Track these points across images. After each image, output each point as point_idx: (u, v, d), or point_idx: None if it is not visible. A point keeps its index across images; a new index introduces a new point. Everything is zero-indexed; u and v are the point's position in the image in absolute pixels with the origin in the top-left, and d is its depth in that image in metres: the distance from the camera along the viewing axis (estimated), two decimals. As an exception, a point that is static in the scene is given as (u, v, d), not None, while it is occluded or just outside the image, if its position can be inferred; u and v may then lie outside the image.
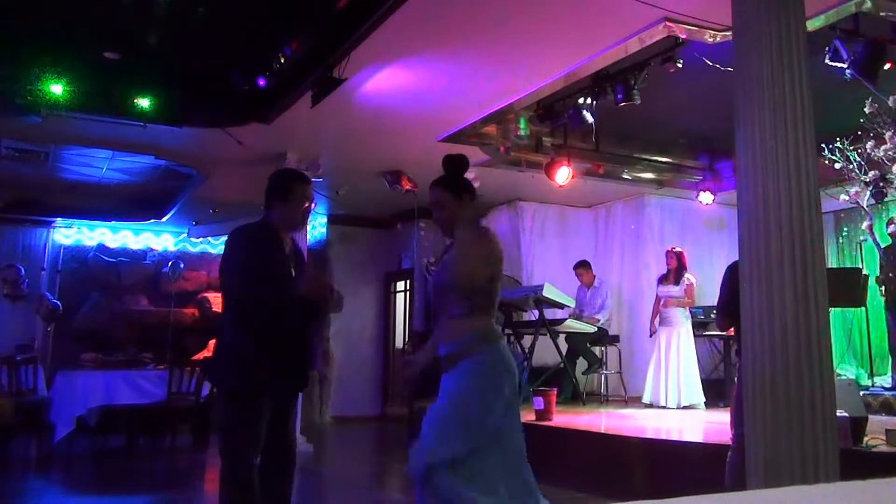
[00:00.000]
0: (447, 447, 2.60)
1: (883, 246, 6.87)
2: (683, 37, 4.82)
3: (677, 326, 7.45)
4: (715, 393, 7.51)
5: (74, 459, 7.12)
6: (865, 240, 7.37)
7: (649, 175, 8.72)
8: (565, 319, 8.01)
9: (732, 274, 3.50)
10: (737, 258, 3.24)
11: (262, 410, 2.97)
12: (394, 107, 6.15)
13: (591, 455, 5.52)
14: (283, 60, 5.12)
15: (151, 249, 11.06)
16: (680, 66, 5.29)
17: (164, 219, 10.08)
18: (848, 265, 8.44)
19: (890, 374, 7.17)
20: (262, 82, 5.33)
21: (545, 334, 7.92)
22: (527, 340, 8.08)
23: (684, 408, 7.20)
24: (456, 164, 2.97)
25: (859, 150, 6.26)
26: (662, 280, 7.71)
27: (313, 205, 3.22)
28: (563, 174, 7.32)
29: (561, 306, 8.00)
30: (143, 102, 5.92)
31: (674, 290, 7.54)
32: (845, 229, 8.72)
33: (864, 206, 6.54)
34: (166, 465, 7.27)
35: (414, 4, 4.30)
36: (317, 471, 6.65)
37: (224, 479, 2.97)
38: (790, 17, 3.08)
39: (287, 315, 3.01)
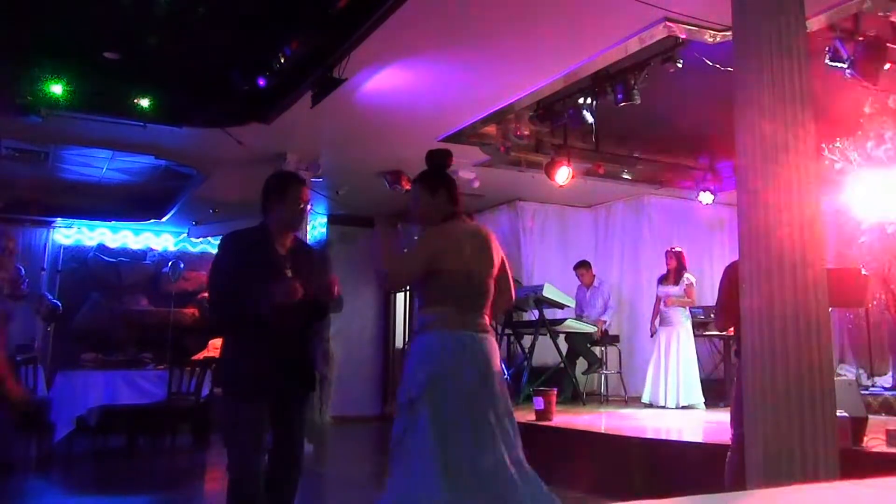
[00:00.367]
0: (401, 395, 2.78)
1: None
2: (683, 37, 4.82)
3: (677, 326, 7.45)
4: (715, 393, 7.51)
5: (74, 459, 7.12)
6: (865, 240, 7.36)
7: (649, 175, 8.72)
8: (565, 319, 8.02)
9: (731, 274, 3.50)
10: (736, 258, 3.24)
11: (253, 412, 2.95)
12: (394, 107, 6.14)
13: (591, 455, 5.52)
14: (283, 60, 5.12)
15: (151, 249, 11.06)
16: (680, 66, 5.28)
17: (164, 219, 10.08)
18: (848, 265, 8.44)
19: (890, 373, 7.17)
20: (262, 82, 5.33)
21: (545, 334, 7.92)
22: (527, 340, 8.08)
23: (683, 408, 7.20)
24: (434, 159, 3.08)
25: (859, 150, 6.26)
26: (662, 280, 7.71)
27: (310, 206, 3.22)
28: (563, 174, 7.32)
29: (561, 306, 8.00)
30: (143, 102, 5.92)
31: (673, 290, 7.54)
32: (845, 229, 8.71)
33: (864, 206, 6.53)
34: (166, 465, 7.27)
35: (414, 4, 4.29)
36: (317, 471, 6.64)
37: (229, 477, 3.00)
38: (790, 17, 3.08)
39: (276, 318, 2.95)
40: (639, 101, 5.64)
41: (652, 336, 7.72)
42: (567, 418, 6.41)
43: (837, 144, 6.32)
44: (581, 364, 8.24)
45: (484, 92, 5.88)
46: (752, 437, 2.95)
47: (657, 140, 8.26)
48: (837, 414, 3.10)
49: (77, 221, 10.43)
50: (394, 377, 10.59)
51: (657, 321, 7.67)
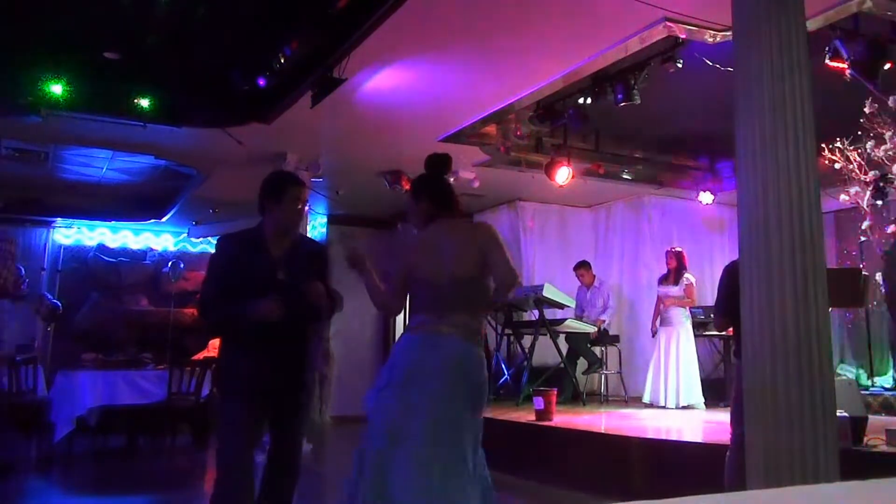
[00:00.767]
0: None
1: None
2: (683, 37, 4.82)
3: (677, 326, 7.45)
4: (715, 393, 7.51)
5: (74, 459, 7.12)
6: (865, 240, 7.36)
7: (649, 175, 8.72)
8: (565, 319, 8.02)
9: (731, 274, 3.51)
10: (736, 258, 3.24)
11: (243, 411, 2.95)
12: (394, 107, 6.14)
13: (591, 455, 5.52)
14: (283, 60, 5.12)
15: (151, 249, 11.07)
16: (680, 66, 5.28)
17: (164, 219, 10.09)
18: (848, 265, 8.44)
19: (890, 373, 7.17)
20: (262, 82, 5.33)
21: (545, 334, 7.92)
22: (527, 340, 8.08)
23: (683, 408, 7.20)
24: (428, 164, 3.16)
25: (859, 150, 6.26)
26: (662, 280, 7.72)
27: (307, 207, 3.21)
28: (563, 174, 7.32)
29: (561, 306, 8.00)
30: (143, 102, 5.92)
31: (673, 290, 7.54)
32: (845, 229, 8.71)
33: (864, 206, 6.54)
34: (166, 465, 7.27)
35: (414, 4, 4.29)
36: (317, 471, 6.64)
37: (216, 474, 3.01)
38: (790, 17, 3.08)
39: (264, 326, 2.93)
40: (639, 101, 5.64)
41: (653, 336, 7.72)
42: (567, 418, 6.41)
43: (837, 144, 6.32)
44: (581, 364, 8.24)
45: (484, 92, 5.88)
46: (752, 437, 2.95)
47: (657, 140, 8.27)
48: (837, 414, 3.10)
49: (77, 221, 10.43)
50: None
51: (657, 321, 7.67)
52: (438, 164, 3.16)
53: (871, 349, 7.56)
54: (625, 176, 8.59)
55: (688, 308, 7.55)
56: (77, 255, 10.54)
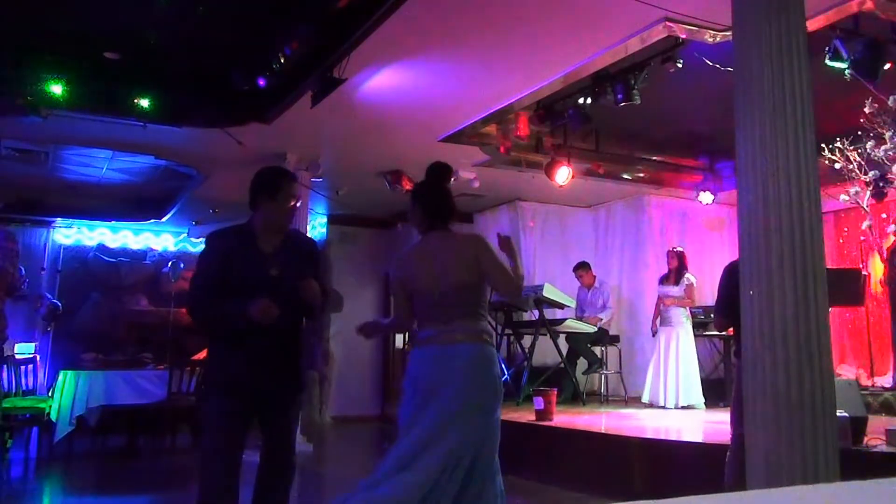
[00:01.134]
0: None
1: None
2: (683, 37, 4.82)
3: (677, 326, 7.45)
4: (715, 393, 7.51)
5: (74, 459, 7.12)
6: (865, 239, 7.37)
7: (649, 175, 8.72)
8: (565, 319, 8.02)
9: (730, 274, 3.51)
10: (736, 258, 3.24)
11: (227, 407, 2.92)
12: (394, 107, 6.15)
13: (591, 455, 5.52)
14: (283, 60, 5.12)
15: (151, 249, 11.06)
16: (680, 66, 5.28)
17: (164, 219, 10.08)
18: (848, 265, 8.45)
19: (890, 373, 7.17)
20: (262, 82, 5.33)
21: (545, 334, 7.92)
22: (527, 340, 8.08)
23: (683, 408, 7.20)
24: (428, 173, 3.25)
25: (859, 150, 6.26)
26: (663, 280, 7.72)
27: (299, 203, 3.18)
28: (563, 174, 7.32)
29: (561, 306, 8.00)
30: (143, 102, 5.92)
31: (674, 290, 7.54)
32: (845, 229, 8.72)
33: (864, 206, 6.53)
34: (166, 465, 7.27)
35: (414, 4, 4.29)
36: (317, 471, 6.64)
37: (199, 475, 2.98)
38: (790, 17, 3.08)
39: (256, 328, 2.91)
40: (639, 101, 5.64)
41: (653, 336, 7.72)
42: (567, 418, 6.41)
43: (837, 144, 6.32)
44: (581, 364, 8.24)
45: (484, 92, 5.88)
46: (752, 437, 2.95)
47: (657, 140, 8.27)
48: (837, 414, 3.10)
49: (77, 221, 10.42)
50: (394, 377, 10.59)
51: (658, 321, 7.67)
52: (437, 174, 3.23)
53: (871, 349, 7.55)
54: (625, 176, 8.59)
55: (688, 308, 7.55)
56: (77, 255, 10.54)
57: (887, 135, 5.95)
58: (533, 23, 4.68)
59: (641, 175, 8.67)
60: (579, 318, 8.17)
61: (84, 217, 10.30)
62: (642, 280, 8.93)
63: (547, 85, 5.68)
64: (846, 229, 8.71)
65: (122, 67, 5.86)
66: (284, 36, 5.05)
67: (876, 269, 7.43)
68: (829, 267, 3.19)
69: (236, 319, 2.86)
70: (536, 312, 7.86)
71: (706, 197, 8.54)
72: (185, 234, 11.18)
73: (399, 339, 10.73)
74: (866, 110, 5.91)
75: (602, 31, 4.80)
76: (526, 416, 6.43)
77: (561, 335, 8.06)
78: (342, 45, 4.94)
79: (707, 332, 7.79)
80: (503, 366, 8.36)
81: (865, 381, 7.22)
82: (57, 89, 5.61)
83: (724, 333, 6.89)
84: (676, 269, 7.61)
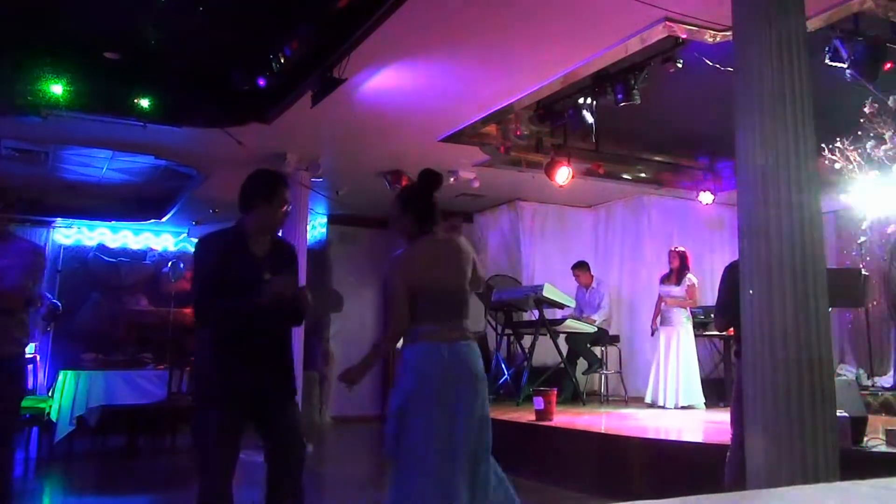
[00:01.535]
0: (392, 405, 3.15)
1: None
2: (683, 37, 4.82)
3: (677, 326, 7.45)
4: (715, 393, 7.51)
5: (74, 459, 7.12)
6: (865, 240, 7.37)
7: (649, 175, 8.72)
8: (565, 319, 8.02)
9: (731, 274, 3.50)
10: (736, 258, 3.24)
11: (232, 421, 2.93)
12: (394, 107, 6.14)
13: (591, 455, 5.52)
14: (283, 60, 5.12)
15: (151, 249, 11.06)
16: (680, 66, 5.28)
17: (164, 219, 10.08)
18: (848, 265, 8.45)
19: (891, 373, 7.17)
20: (262, 82, 5.33)
21: (545, 334, 7.92)
22: (527, 340, 8.08)
23: (683, 408, 7.20)
24: (421, 180, 3.25)
25: (859, 150, 6.25)
26: (664, 280, 7.71)
27: (290, 208, 3.19)
28: (563, 174, 7.32)
29: (561, 306, 8.00)
30: (143, 102, 5.91)
31: (674, 290, 7.54)
32: (845, 229, 8.71)
33: (864, 206, 6.53)
34: (166, 465, 7.27)
35: (414, 4, 4.29)
36: (317, 471, 6.64)
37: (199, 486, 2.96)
38: (790, 17, 3.08)
39: (253, 322, 2.92)
40: (639, 101, 5.64)
41: (652, 334, 7.71)
42: (567, 418, 6.41)
43: (837, 144, 6.32)
44: (581, 364, 8.24)
45: (484, 92, 5.88)
46: (752, 437, 2.95)
47: (657, 140, 8.27)
48: (837, 414, 3.10)
49: (77, 221, 10.42)
50: (394, 377, 10.57)
51: (658, 320, 7.66)
52: (430, 181, 3.24)
53: (871, 349, 7.55)
54: (625, 176, 8.59)
55: (688, 308, 7.55)
56: (77, 255, 10.53)
57: (887, 135, 5.95)
58: (533, 23, 4.67)
59: (641, 175, 8.67)
60: (577, 318, 8.17)
61: (84, 217, 10.30)
62: (642, 280, 8.93)
63: (547, 85, 5.68)
64: (846, 229, 8.70)
65: (122, 67, 5.85)
66: (284, 36, 5.05)
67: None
68: (829, 267, 3.19)
69: (242, 313, 2.88)
70: (536, 312, 7.86)
71: (706, 197, 8.53)
72: (185, 234, 11.18)
73: (399, 339, 10.72)
74: (866, 110, 5.91)
75: (602, 31, 4.80)
76: (526, 416, 6.42)
77: (561, 335, 8.06)
78: (342, 45, 4.94)
79: (707, 332, 7.78)
80: (503, 366, 8.37)
81: (865, 381, 7.22)
82: (57, 89, 5.61)
83: (724, 333, 6.89)
84: (678, 269, 7.60)
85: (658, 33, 4.73)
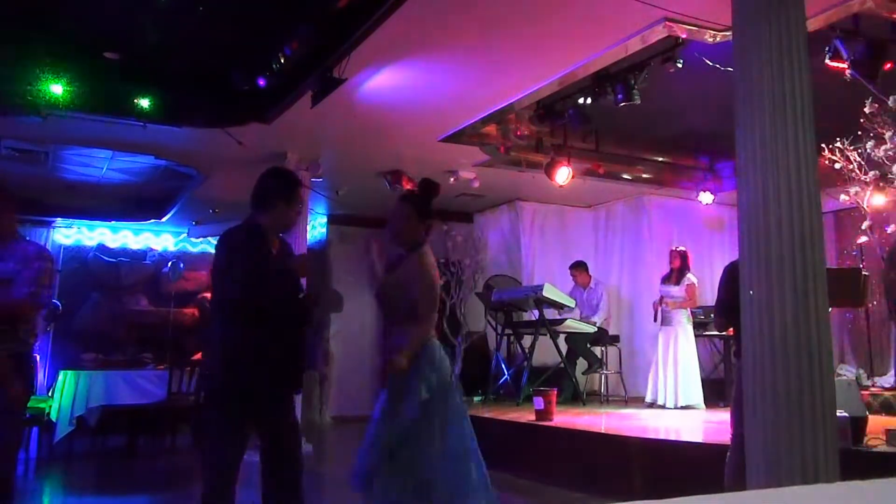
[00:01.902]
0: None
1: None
2: (683, 37, 4.82)
3: (677, 326, 7.45)
4: (715, 393, 7.51)
5: (74, 459, 7.12)
6: (865, 240, 7.36)
7: (649, 175, 8.72)
8: (565, 319, 8.02)
9: (730, 274, 3.50)
10: (736, 258, 3.24)
11: (238, 422, 2.94)
12: (394, 107, 6.14)
13: (591, 455, 5.52)
14: (283, 60, 5.12)
15: (151, 249, 11.06)
16: (680, 66, 5.28)
17: (164, 219, 10.08)
18: (848, 265, 8.44)
19: (891, 373, 7.17)
20: (262, 82, 5.33)
21: (545, 334, 7.92)
22: (527, 340, 8.08)
23: (682, 408, 7.20)
24: (429, 189, 3.36)
25: (859, 150, 6.25)
26: (665, 279, 7.71)
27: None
28: (563, 174, 7.32)
29: (561, 306, 8.00)
30: (143, 102, 5.91)
31: (674, 290, 7.53)
32: (845, 229, 8.71)
33: (864, 206, 6.53)
34: (166, 465, 7.27)
35: (414, 4, 4.29)
36: (317, 471, 6.64)
37: (204, 482, 2.96)
38: (790, 17, 3.08)
39: (277, 318, 2.97)
40: (639, 101, 5.64)
41: (655, 320, 7.66)
42: (567, 418, 6.41)
43: (837, 144, 6.31)
44: (581, 364, 8.24)
45: (484, 92, 5.88)
46: (752, 438, 2.95)
47: (657, 140, 8.27)
48: (837, 414, 3.10)
49: (77, 221, 10.42)
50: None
51: (658, 319, 7.64)
52: (435, 190, 3.37)
53: (871, 349, 7.55)
54: (625, 176, 8.59)
55: (688, 308, 7.55)
56: (77, 255, 10.53)
57: (887, 135, 5.94)
58: (533, 23, 4.67)
59: (641, 175, 8.67)
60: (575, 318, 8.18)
61: (84, 217, 10.30)
62: (642, 280, 8.93)
63: (547, 85, 5.68)
64: (846, 229, 8.70)
65: (122, 67, 5.85)
66: (284, 36, 5.05)
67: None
68: (829, 267, 3.19)
69: (272, 303, 2.95)
70: (536, 312, 7.86)
71: (706, 197, 8.53)
72: (185, 234, 11.18)
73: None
74: (866, 110, 5.90)
75: (602, 31, 4.80)
76: (526, 416, 6.43)
77: (561, 335, 8.07)
78: (342, 45, 4.94)
79: (707, 332, 7.79)
80: (503, 366, 8.37)
81: (865, 381, 7.22)
82: (57, 89, 5.60)
83: (724, 333, 6.89)
84: (678, 269, 7.60)
85: (658, 33, 4.73)
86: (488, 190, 8.62)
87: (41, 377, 9.11)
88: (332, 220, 10.60)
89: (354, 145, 7.27)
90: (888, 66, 4.97)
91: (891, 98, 5.70)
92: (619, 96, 5.69)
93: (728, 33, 4.36)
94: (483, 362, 8.95)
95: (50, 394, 7.74)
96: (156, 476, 6.71)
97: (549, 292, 7.67)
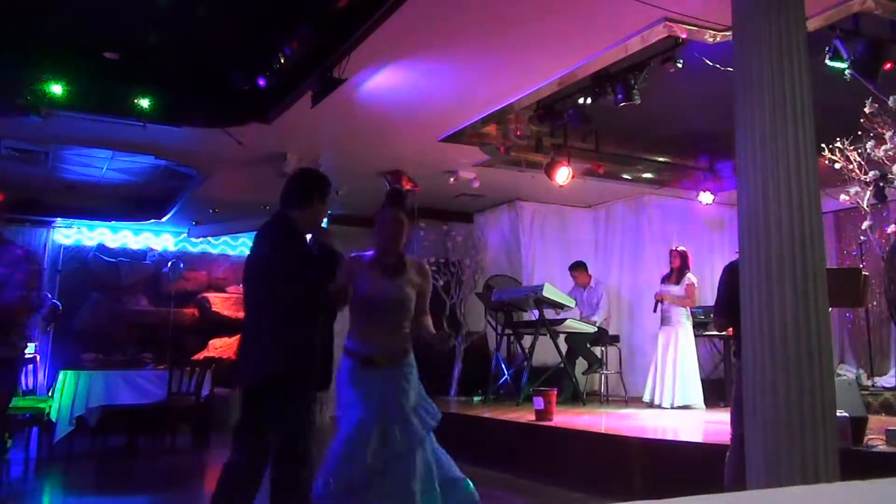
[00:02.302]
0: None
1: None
2: (683, 37, 4.82)
3: (677, 326, 7.45)
4: (715, 393, 7.51)
5: (74, 459, 7.12)
6: (865, 240, 7.36)
7: (649, 175, 8.72)
8: (565, 319, 8.02)
9: (730, 274, 3.51)
10: (736, 258, 3.24)
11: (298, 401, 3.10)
12: (394, 107, 6.14)
13: (591, 455, 5.52)
14: (283, 60, 5.12)
15: (151, 249, 11.06)
16: (680, 66, 5.28)
17: (164, 219, 10.08)
18: (848, 265, 8.45)
19: (891, 373, 7.17)
20: (262, 82, 5.33)
21: (545, 334, 7.92)
22: (527, 340, 8.08)
23: (682, 408, 7.20)
24: (398, 197, 3.59)
25: (859, 150, 6.25)
26: (665, 279, 7.72)
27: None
28: (563, 174, 7.32)
29: (561, 306, 8.00)
30: (143, 102, 5.92)
31: (674, 290, 7.54)
32: (845, 229, 8.72)
33: (864, 206, 6.53)
34: (166, 465, 7.27)
35: (414, 5, 4.29)
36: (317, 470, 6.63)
37: (231, 470, 2.99)
38: (790, 17, 3.08)
39: (320, 313, 3.15)
40: (639, 101, 5.64)
41: (655, 311, 7.65)
42: (567, 418, 6.41)
43: (837, 144, 6.31)
44: (581, 364, 8.24)
45: (484, 92, 5.88)
46: (752, 438, 2.95)
47: (657, 140, 8.27)
48: (837, 414, 3.10)
49: (77, 221, 10.42)
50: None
51: (658, 310, 7.63)
52: (406, 197, 3.68)
53: (871, 349, 7.55)
54: (625, 176, 8.59)
55: (688, 308, 7.55)
56: (77, 255, 10.53)
57: (887, 135, 5.94)
58: (533, 23, 4.67)
59: (641, 175, 8.67)
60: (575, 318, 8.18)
61: (84, 217, 10.29)
62: (642, 280, 8.93)
63: (547, 85, 5.68)
64: (846, 229, 8.70)
65: (122, 67, 5.86)
66: (284, 36, 5.05)
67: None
68: (829, 267, 3.19)
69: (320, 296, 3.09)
70: (536, 312, 7.86)
71: (706, 197, 8.53)
72: (185, 234, 11.18)
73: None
74: (866, 110, 5.90)
75: (602, 31, 4.79)
76: (526, 416, 6.43)
77: (561, 335, 8.07)
78: (342, 45, 4.94)
79: (707, 332, 7.78)
80: (503, 366, 8.37)
81: (865, 381, 7.22)
82: (57, 89, 5.61)
83: (724, 333, 6.89)
84: (678, 269, 7.61)
85: (658, 33, 4.73)
86: (488, 190, 8.62)
87: (41, 377, 9.11)
88: (332, 220, 10.57)
89: (354, 145, 7.27)
90: (888, 66, 4.97)
91: (891, 98, 5.70)
92: (619, 96, 5.69)
93: (728, 33, 4.36)
94: (483, 362, 8.95)
95: (50, 394, 7.73)
96: (156, 476, 6.71)
97: (549, 292, 7.67)
